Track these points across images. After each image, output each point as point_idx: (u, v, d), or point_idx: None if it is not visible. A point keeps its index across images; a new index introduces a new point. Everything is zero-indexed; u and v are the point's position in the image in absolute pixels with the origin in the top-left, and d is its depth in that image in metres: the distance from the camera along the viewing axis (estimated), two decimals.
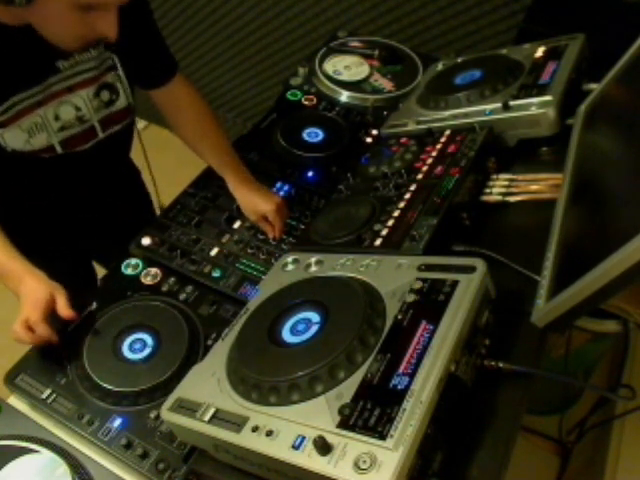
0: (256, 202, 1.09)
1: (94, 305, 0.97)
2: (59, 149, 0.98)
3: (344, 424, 0.58)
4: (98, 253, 1.39)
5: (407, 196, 0.95)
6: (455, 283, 0.69)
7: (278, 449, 0.59)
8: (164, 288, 1.01)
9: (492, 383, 0.71)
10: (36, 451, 0.78)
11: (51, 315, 0.87)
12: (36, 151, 0.95)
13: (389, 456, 0.54)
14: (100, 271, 1.35)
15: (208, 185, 1.18)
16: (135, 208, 1.36)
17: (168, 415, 0.71)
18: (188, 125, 1.15)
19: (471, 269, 0.71)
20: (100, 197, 1.19)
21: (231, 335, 0.78)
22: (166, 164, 1.84)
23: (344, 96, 1.39)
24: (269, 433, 0.61)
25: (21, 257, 0.90)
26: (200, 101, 1.16)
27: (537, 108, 0.99)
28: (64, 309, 0.87)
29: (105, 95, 1.00)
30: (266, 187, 1.14)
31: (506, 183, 1.00)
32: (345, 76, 1.43)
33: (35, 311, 0.85)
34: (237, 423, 0.64)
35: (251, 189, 1.10)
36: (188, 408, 0.69)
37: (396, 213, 0.92)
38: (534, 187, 0.97)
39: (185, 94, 1.14)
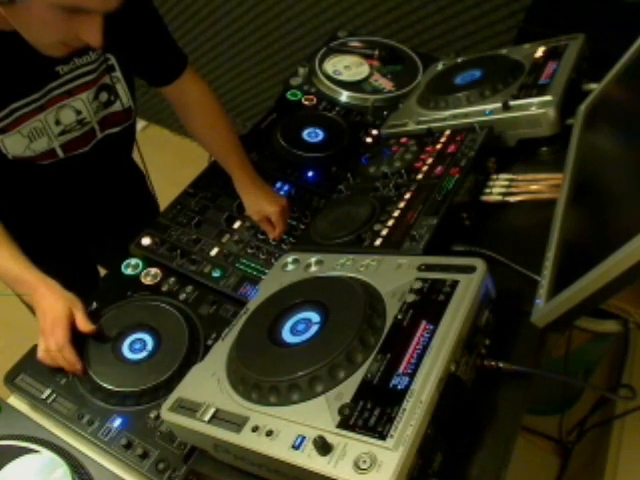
0: (260, 203, 1.08)
1: (94, 305, 0.97)
2: (60, 153, 0.97)
3: (344, 424, 0.58)
4: (105, 257, 1.38)
5: (407, 196, 0.95)
6: (455, 283, 0.69)
7: (278, 449, 0.59)
8: (164, 288, 1.01)
9: (492, 383, 0.71)
10: (36, 451, 0.78)
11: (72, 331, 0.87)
12: (37, 156, 0.95)
13: (389, 456, 0.53)
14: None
15: (208, 185, 1.18)
16: (141, 212, 1.35)
17: (168, 415, 0.71)
18: (198, 119, 1.14)
19: (471, 269, 0.71)
20: (103, 201, 1.18)
21: (231, 335, 0.78)
22: (166, 164, 1.84)
23: (344, 96, 1.39)
24: (269, 433, 0.61)
25: (33, 266, 0.90)
26: (211, 97, 1.14)
27: (537, 108, 0.99)
28: (83, 324, 0.88)
29: (104, 96, 0.99)
30: (271, 187, 1.13)
31: (506, 183, 1.00)
32: (345, 76, 1.43)
33: (56, 332, 0.85)
34: (237, 423, 0.64)
35: (256, 189, 1.09)
36: (188, 408, 0.69)
37: (396, 213, 0.92)
38: (534, 187, 0.97)
39: (196, 90, 1.12)
